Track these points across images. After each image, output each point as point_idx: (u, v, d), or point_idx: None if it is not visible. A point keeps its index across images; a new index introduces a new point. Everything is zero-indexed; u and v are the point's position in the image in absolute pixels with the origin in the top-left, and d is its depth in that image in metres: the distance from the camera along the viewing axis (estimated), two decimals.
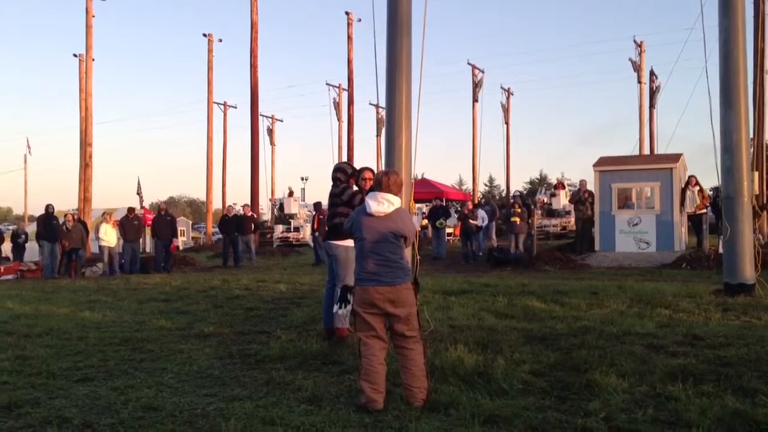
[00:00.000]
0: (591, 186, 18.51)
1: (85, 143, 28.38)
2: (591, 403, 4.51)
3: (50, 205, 19.32)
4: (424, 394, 4.65)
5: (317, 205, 21.13)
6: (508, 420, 4.22)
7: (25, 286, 14.49)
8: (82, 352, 6.66)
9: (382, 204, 4.82)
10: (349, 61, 35.59)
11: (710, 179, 36.64)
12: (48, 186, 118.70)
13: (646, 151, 33.55)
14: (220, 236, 24.43)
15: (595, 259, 17.07)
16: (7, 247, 25.62)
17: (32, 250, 23.32)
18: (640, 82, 35.68)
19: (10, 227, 29.10)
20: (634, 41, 35.89)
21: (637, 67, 35.75)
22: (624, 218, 17.35)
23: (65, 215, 20.24)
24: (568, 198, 28.74)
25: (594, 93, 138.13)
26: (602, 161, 18.33)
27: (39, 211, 23.96)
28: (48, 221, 19.02)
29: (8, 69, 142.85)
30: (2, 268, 20.84)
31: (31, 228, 28.68)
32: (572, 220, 23.17)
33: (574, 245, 19.02)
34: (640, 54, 35.76)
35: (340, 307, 6.28)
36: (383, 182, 4.89)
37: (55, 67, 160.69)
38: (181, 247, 33.47)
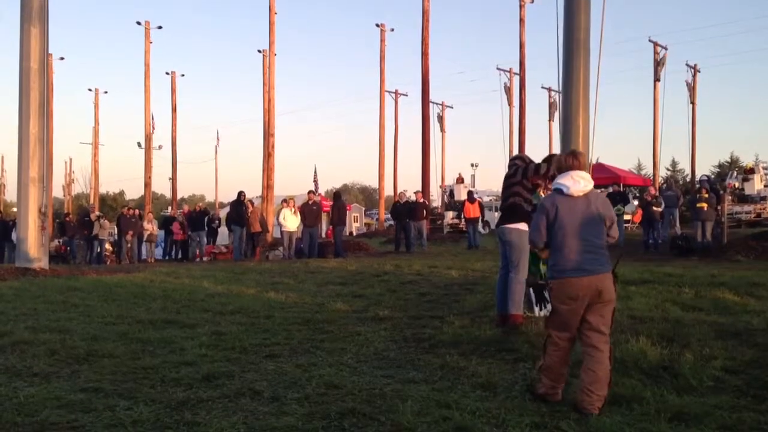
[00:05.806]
0: None
1: (267, 134, 30.24)
2: None
3: (242, 192, 20.72)
4: (602, 403, 4.16)
5: (470, 194, 23.21)
6: (698, 418, 3.96)
7: (217, 268, 15.68)
8: (269, 330, 7.11)
9: (578, 183, 4.37)
10: (521, 45, 34.90)
11: None
12: (235, 174, 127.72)
13: None
14: (392, 222, 25.01)
15: None
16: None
17: (222, 234, 25.23)
18: None
19: None
20: None
21: None
22: None
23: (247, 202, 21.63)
24: (764, 182, 26.34)
25: None
26: None
27: (229, 198, 25.62)
28: (239, 207, 20.44)
29: (201, 67, 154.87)
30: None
31: (222, 214, 31.07)
32: None
33: None
34: None
35: (541, 309, 5.99)
36: (573, 164, 4.48)
37: (241, 63, 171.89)
38: (354, 233, 34.75)
